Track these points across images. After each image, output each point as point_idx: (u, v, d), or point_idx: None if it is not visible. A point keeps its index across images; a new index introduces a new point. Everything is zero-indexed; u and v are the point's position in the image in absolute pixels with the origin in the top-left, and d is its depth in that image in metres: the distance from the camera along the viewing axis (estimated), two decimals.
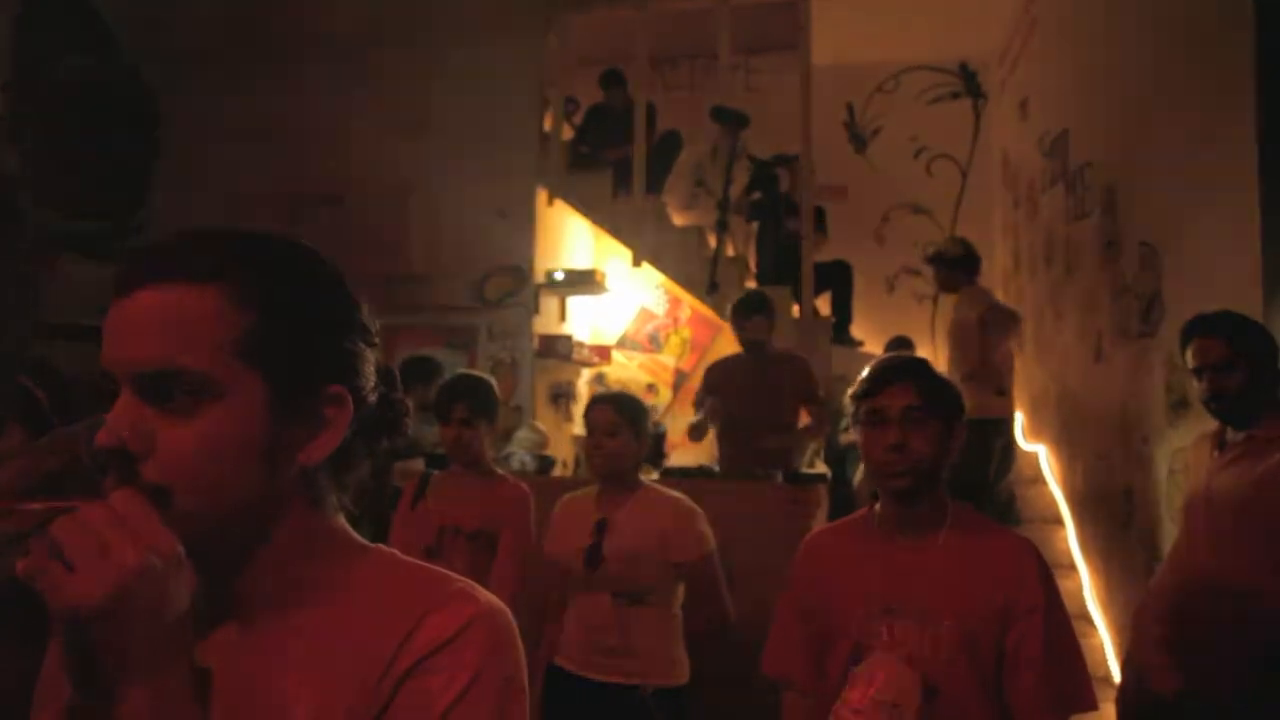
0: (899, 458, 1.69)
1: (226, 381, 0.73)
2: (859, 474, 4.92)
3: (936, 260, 5.05)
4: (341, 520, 0.85)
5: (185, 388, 0.72)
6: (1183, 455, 3.50)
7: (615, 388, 5.62)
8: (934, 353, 6.78)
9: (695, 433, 4.45)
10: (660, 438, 2.78)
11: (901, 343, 6.12)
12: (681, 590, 2.63)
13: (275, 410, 0.76)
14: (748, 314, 4.43)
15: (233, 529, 0.76)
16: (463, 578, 0.81)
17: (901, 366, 1.77)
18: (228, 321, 0.74)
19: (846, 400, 1.81)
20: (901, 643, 1.66)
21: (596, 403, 2.71)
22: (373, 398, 0.84)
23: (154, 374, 0.72)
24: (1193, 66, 3.67)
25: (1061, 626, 1.67)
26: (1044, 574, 1.69)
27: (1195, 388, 2.48)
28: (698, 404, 4.60)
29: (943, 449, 1.71)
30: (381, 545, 0.86)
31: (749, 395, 4.43)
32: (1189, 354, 2.47)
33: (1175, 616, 2.36)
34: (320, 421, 0.79)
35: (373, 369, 0.84)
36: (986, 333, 4.69)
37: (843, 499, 4.52)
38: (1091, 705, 1.66)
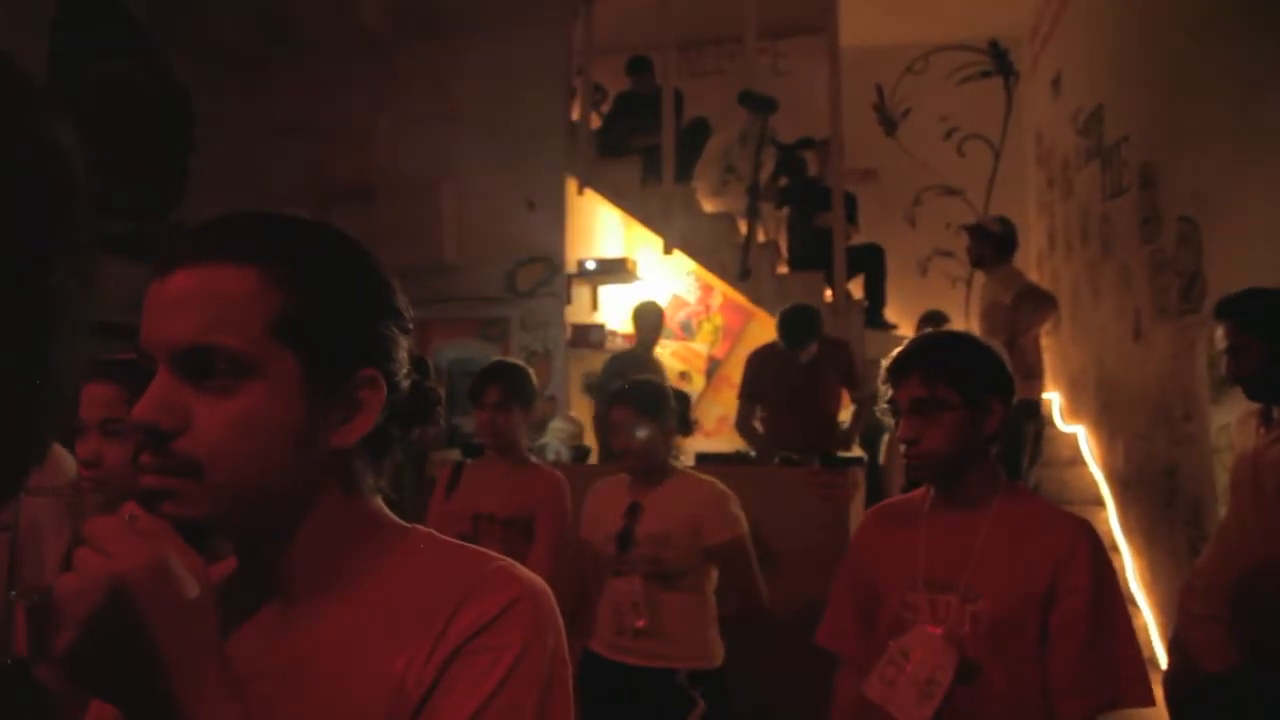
0: (913, 451, 1.68)
1: (261, 360, 0.74)
2: (883, 452, 4.92)
3: (974, 230, 5.00)
4: (379, 503, 0.85)
5: (220, 365, 0.73)
6: (1228, 432, 3.44)
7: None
8: None
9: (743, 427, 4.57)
10: (685, 410, 2.74)
11: (933, 318, 6.04)
12: (715, 574, 2.62)
13: (309, 390, 0.76)
14: (803, 342, 4.43)
15: (267, 508, 0.77)
16: (502, 556, 0.81)
17: (910, 356, 1.71)
18: (264, 301, 0.75)
19: (880, 386, 1.79)
20: (942, 618, 1.64)
21: (614, 402, 2.65)
22: (405, 384, 0.84)
23: (189, 350, 0.73)
24: (1237, 31, 3.58)
25: (1109, 611, 1.60)
26: (1096, 556, 1.62)
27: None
28: (745, 399, 4.70)
29: (967, 435, 1.67)
30: (419, 526, 0.86)
31: (791, 386, 4.46)
32: (1217, 335, 2.48)
33: (1225, 594, 2.33)
34: (354, 404, 0.79)
35: (406, 355, 0.85)
36: (1019, 314, 4.64)
37: (873, 479, 4.50)
38: (1144, 700, 1.57)
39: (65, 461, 1.85)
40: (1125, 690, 1.57)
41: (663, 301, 6.92)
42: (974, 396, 1.67)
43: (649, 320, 5.20)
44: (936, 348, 1.73)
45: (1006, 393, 1.71)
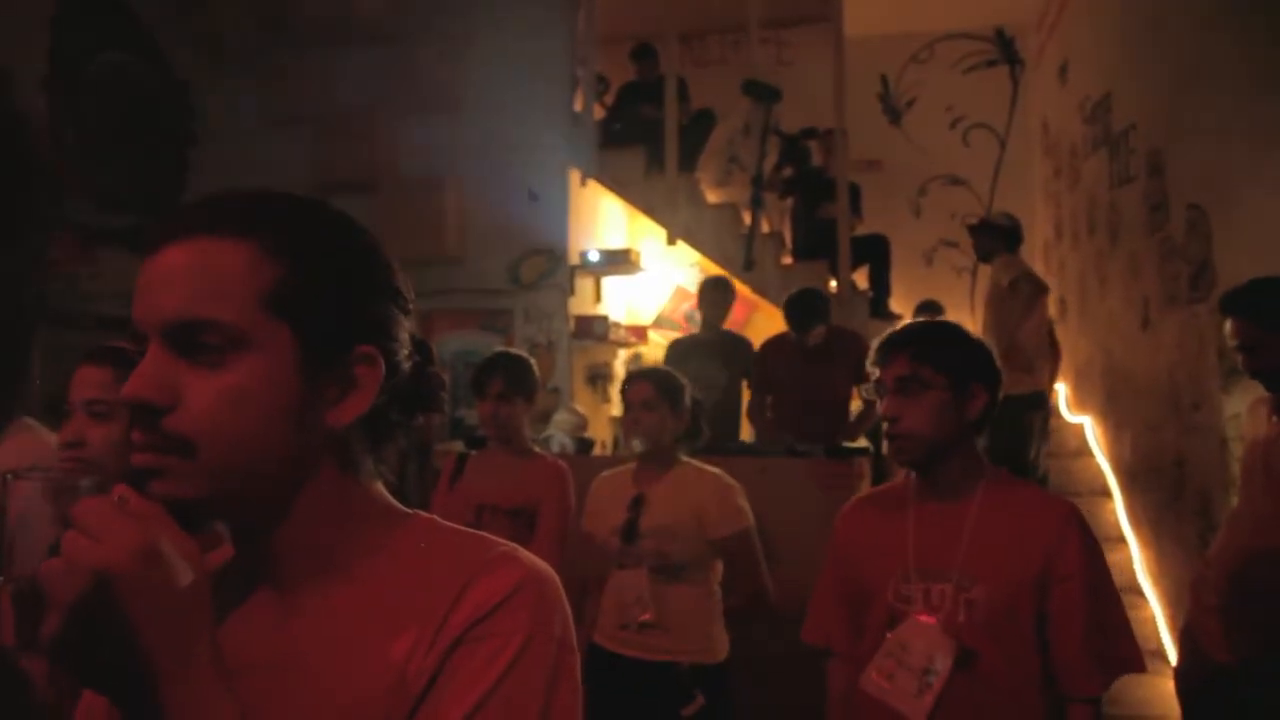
0: (893, 429, 1.69)
1: (255, 334, 0.72)
2: (885, 443, 4.92)
3: (983, 228, 5.03)
4: (379, 487, 0.83)
5: (213, 339, 0.71)
6: (1238, 422, 3.41)
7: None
8: (972, 325, 6.68)
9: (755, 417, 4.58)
10: (697, 414, 2.74)
11: (929, 306, 6.02)
12: (720, 567, 2.60)
13: (304, 366, 0.74)
14: (809, 324, 4.41)
15: (261, 488, 0.74)
16: (506, 542, 0.79)
17: (897, 337, 1.73)
18: (258, 274, 0.72)
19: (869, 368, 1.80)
20: (936, 607, 1.64)
21: (634, 378, 2.68)
22: (406, 365, 0.82)
23: (181, 324, 0.71)
24: (1247, 17, 3.54)
25: (1102, 589, 1.64)
26: (1084, 537, 1.65)
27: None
28: (756, 389, 4.69)
29: (948, 417, 1.67)
30: (421, 512, 0.84)
31: (800, 376, 4.44)
32: (1226, 331, 2.43)
33: (1235, 584, 2.30)
34: (350, 381, 0.76)
35: (406, 335, 0.82)
36: (1015, 296, 4.67)
37: (878, 470, 4.49)
38: (1139, 667, 1.64)
39: (44, 438, 1.85)
40: (1126, 660, 1.63)
41: (665, 294, 6.90)
42: (958, 380, 1.68)
43: (710, 296, 5.06)
44: (924, 331, 1.75)
45: (992, 381, 1.71)
